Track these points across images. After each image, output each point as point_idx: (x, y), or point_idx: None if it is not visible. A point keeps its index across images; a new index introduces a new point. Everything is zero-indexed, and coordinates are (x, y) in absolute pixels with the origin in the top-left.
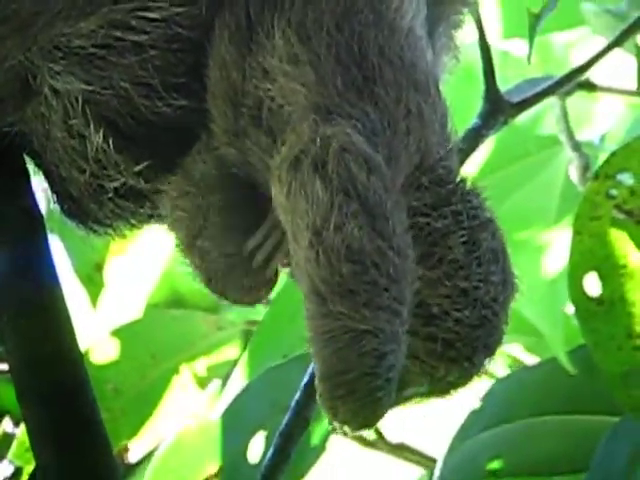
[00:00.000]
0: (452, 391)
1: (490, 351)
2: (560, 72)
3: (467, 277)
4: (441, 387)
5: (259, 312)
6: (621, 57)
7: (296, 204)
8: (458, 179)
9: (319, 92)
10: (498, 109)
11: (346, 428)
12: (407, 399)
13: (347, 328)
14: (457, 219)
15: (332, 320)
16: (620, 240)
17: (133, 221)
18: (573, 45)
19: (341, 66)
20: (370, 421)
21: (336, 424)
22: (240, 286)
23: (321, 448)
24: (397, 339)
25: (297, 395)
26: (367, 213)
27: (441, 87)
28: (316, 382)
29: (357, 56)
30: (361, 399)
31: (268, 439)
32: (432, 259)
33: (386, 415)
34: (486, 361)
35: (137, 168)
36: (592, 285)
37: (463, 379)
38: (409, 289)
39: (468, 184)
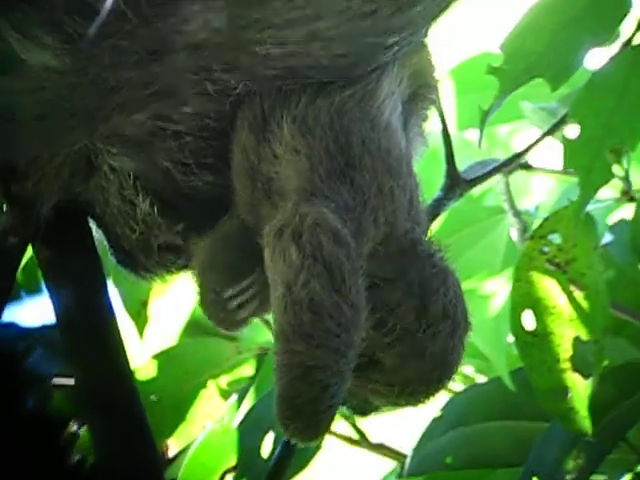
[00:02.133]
0: (417, 405)
1: (441, 384)
2: (504, 155)
3: (414, 341)
4: (406, 405)
5: (270, 341)
6: (552, 144)
7: (276, 264)
8: (421, 248)
9: (307, 178)
10: (456, 184)
11: (295, 440)
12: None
13: (301, 363)
14: (410, 290)
15: (291, 356)
16: (550, 286)
17: (172, 269)
18: (514, 134)
19: (328, 155)
20: (313, 437)
21: (287, 436)
22: (217, 318)
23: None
24: (342, 375)
25: None
26: (329, 275)
27: (413, 166)
28: (274, 404)
29: (343, 146)
30: (306, 420)
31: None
32: (386, 326)
33: (325, 433)
34: (438, 389)
35: (176, 229)
36: (528, 321)
37: (420, 403)
38: (358, 336)
39: (433, 245)
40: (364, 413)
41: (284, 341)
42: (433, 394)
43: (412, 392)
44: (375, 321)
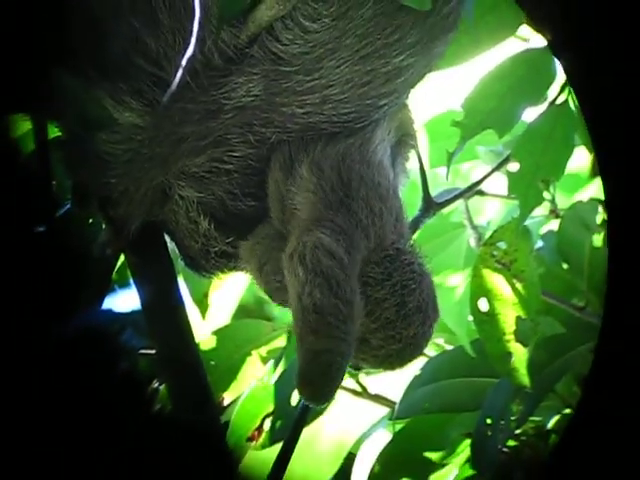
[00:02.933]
0: (395, 370)
1: (412, 358)
2: (465, 185)
3: (394, 327)
4: (386, 370)
5: None
6: (499, 176)
7: (290, 281)
8: (404, 257)
9: (312, 211)
10: (430, 206)
11: (310, 404)
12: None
13: (311, 350)
14: (393, 289)
15: (304, 346)
16: (499, 280)
17: (225, 270)
18: (472, 169)
19: (332, 190)
20: (322, 401)
21: (304, 401)
22: (279, 298)
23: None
24: (343, 354)
25: None
26: (327, 283)
27: (400, 195)
28: (295, 378)
29: (345, 182)
30: (317, 390)
31: None
32: (374, 315)
33: (333, 397)
34: (411, 361)
35: (227, 240)
36: (483, 305)
37: (397, 369)
38: (354, 324)
39: (414, 253)
40: (356, 370)
41: (299, 337)
42: (407, 364)
43: (391, 363)
44: (366, 311)
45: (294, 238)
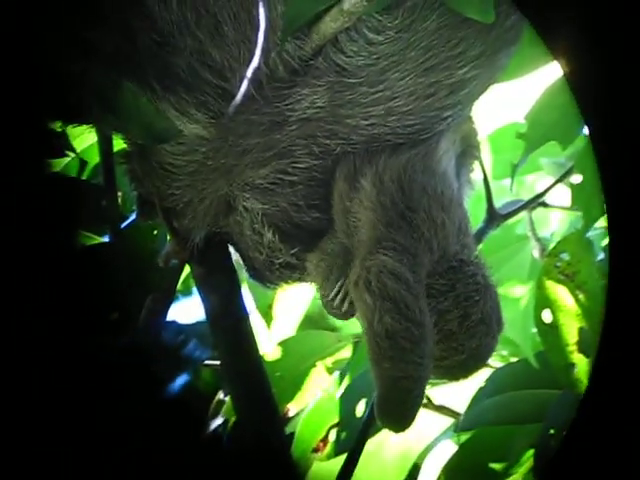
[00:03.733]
0: (458, 381)
1: (475, 369)
2: (529, 196)
3: (457, 339)
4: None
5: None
6: (562, 188)
7: (359, 307)
8: (467, 268)
9: (373, 229)
10: (494, 218)
11: (391, 429)
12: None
13: (390, 377)
14: (456, 301)
15: (382, 372)
16: (562, 291)
17: (289, 281)
18: (536, 181)
19: (392, 204)
20: (402, 428)
21: (384, 427)
22: (330, 312)
23: None
24: (421, 379)
25: None
26: (396, 308)
27: (464, 205)
28: (375, 405)
29: (406, 193)
30: (397, 417)
31: (367, 404)
32: (437, 326)
33: (412, 423)
34: (473, 372)
35: (292, 251)
36: (547, 316)
37: (460, 380)
38: (429, 346)
39: (479, 264)
40: None
41: (375, 363)
42: (470, 375)
43: (454, 374)
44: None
45: (357, 263)
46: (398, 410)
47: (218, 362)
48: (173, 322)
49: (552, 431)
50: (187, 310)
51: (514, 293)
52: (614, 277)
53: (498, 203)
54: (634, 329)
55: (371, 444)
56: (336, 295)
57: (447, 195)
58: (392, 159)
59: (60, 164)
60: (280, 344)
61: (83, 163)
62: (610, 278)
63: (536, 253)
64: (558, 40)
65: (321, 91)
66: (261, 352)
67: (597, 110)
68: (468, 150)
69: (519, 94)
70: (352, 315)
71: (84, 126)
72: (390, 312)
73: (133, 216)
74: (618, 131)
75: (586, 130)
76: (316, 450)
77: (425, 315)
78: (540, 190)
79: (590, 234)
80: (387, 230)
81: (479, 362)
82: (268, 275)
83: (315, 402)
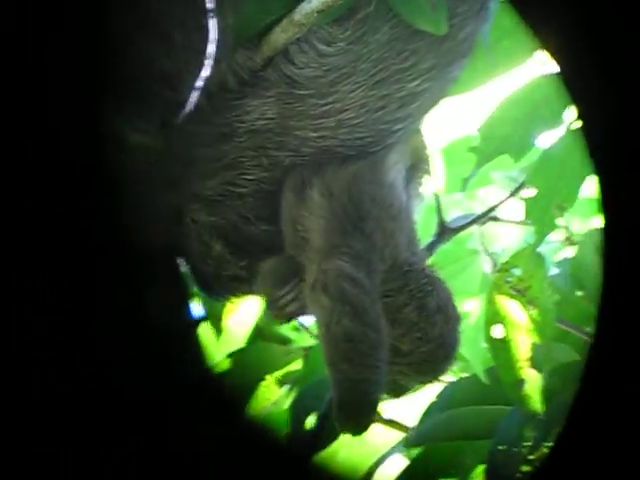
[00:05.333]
0: (435, 379)
1: (448, 361)
2: (480, 210)
3: (419, 329)
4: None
5: (310, 345)
6: (514, 202)
7: (315, 310)
8: (417, 266)
9: (326, 237)
10: (444, 231)
11: (347, 433)
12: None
13: (348, 379)
14: (411, 294)
15: (339, 375)
16: (513, 306)
17: (238, 294)
18: (488, 195)
19: (344, 213)
20: (360, 431)
21: (342, 431)
22: (274, 313)
23: None
24: (378, 383)
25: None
26: (354, 311)
27: (413, 216)
28: (333, 408)
29: (356, 204)
30: (355, 419)
31: (317, 416)
32: (397, 321)
33: (370, 426)
34: (447, 365)
35: (241, 264)
36: (497, 332)
37: (435, 377)
38: (385, 351)
39: (428, 269)
40: (397, 395)
41: (332, 365)
42: (443, 369)
43: (427, 369)
44: (391, 319)
45: (314, 267)
46: (356, 413)
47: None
48: None
49: (502, 447)
50: None
51: (464, 308)
52: (610, 273)
53: (449, 217)
54: (627, 330)
55: (321, 457)
56: (286, 294)
57: (396, 206)
58: (340, 170)
59: None
60: (230, 356)
61: None
62: (605, 274)
63: (487, 268)
64: (550, 33)
65: (271, 102)
66: (211, 364)
67: (589, 104)
68: (417, 163)
69: (472, 107)
70: (295, 317)
71: None
72: (348, 315)
73: None
74: (611, 125)
75: (578, 124)
76: None
77: (381, 320)
78: (491, 204)
79: (542, 249)
80: (341, 236)
81: (447, 352)
82: (217, 287)
83: (264, 415)
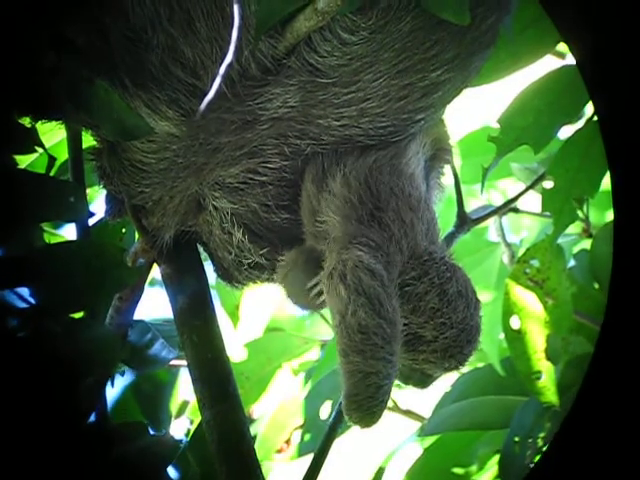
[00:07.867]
0: (460, 366)
1: (471, 346)
2: (499, 202)
3: (442, 314)
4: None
5: (328, 335)
6: (534, 194)
7: (331, 299)
8: (435, 254)
9: (345, 226)
10: (464, 222)
11: (357, 426)
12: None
13: (359, 371)
14: (432, 282)
15: (351, 366)
16: (531, 297)
17: (257, 282)
18: (508, 186)
19: (361, 203)
20: (370, 424)
21: (350, 423)
22: (302, 303)
23: None
24: (390, 376)
25: None
26: (370, 303)
27: (433, 207)
28: (341, 399)
29: (374, 194)
30: (365, 411)
31: (333, 405)
32: (419, 309)
33: (379, 419)
34: (471, 350)
35: (261, 252)
36: (515, 323)
37: (461, 363)
38: (398, 345)
39: (446, 258)
40: (424, 385)
41: (344, 355)
42: (468, 354)
43: (452, 355)
44: (412, 307)
45: (332, 256)
46: (366, 406)
47: (184, 362)
48: (140, 321)
49: (517, 438)
50: (156, 310)
51: (482, 299)
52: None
53: (469, 208)
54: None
55: (336, 446)
56: (314, 286)
57: (415, 196)
58: (360, 160)
59: (28, 160)
60: (247, 345)
61: (52, 159)
62: (615, 265)
63: (505, 259)
64: (569, 23)
65: (293, 90)
66: (228, 352)
67: (605, 94)
68: (439, 153)
69: (493, 98)
70: (323, 307)
71: (54, 122)
72: (364, 307)
73: (102, 214)
74: (627, 115)
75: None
76: (280, 451)
77: (397, 314)
78: (512, 195)
79: (560, 241)
80: (359, 226)
81: (470, 337)
82: (236, 275)
83: (280, 403)
